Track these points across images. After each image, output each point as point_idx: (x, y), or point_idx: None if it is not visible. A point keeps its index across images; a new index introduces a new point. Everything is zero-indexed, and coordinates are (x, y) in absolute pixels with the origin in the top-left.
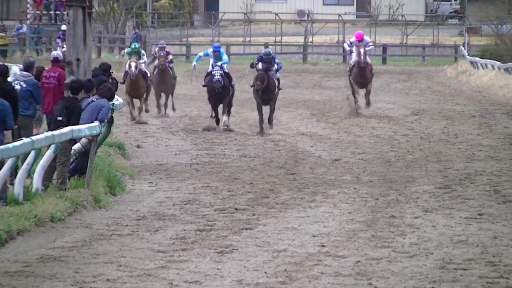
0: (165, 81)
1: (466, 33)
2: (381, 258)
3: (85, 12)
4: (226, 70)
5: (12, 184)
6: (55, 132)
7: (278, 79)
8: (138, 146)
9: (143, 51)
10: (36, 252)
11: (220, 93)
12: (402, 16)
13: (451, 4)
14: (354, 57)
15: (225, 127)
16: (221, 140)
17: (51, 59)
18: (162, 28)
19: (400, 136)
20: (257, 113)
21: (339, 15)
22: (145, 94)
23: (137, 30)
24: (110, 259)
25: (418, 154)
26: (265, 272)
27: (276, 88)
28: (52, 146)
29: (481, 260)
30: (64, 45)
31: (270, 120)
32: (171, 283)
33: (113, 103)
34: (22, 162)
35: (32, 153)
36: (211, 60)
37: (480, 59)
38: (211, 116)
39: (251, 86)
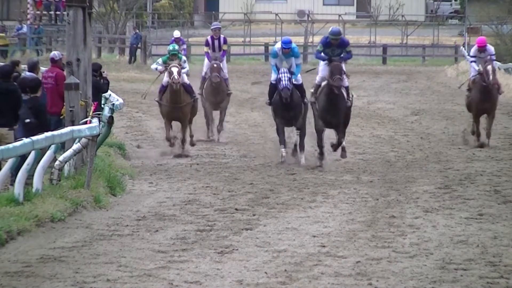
0: (218, 96)
1: (466, 33)
2: (381, 258)
3: (85, 12)
4: (299, 81)
5: (12, 184)
6: (55, 132)
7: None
8: (138, 146)
9: (184, 57)
10: (36, 252)
11: (289, 107)
12: (402, 16)
13: (451, 4)
14: (473, 71)
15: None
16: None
17: (50, 59)
18: (162, 29)
19: (400, 136)
20: (317, 136)
21: (339, 15)
22: (189, 115)
23: (137, 31)
24: (110, 259)
25: (418, 154)
26: (265, 272)
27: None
28: (52, 146)
29: (481, 260)
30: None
31: (340, 145)
32: (171, 283)
33: (113, 103)
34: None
35: (32, 153)
36: (275, 62)
37: None
38: (282, 146)
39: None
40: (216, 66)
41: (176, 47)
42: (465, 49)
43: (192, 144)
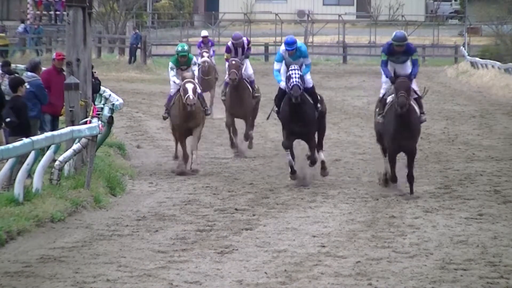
0: (241, 102)
1: (466, 33)
2: (381, 259)
3: (85, 12)
4: (310, 83)
5: (12, 184)
6: (55, 132)
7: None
8: (138, 147)
9: (194, 58)
10: (36, 252)
11: (300, 110)
12: (402, 16)
13: (451, 4)
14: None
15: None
16: (221, 141)
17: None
18: (162, 29)
19: None
20: (390, 165)
21: (339, 15)
22: (200, 128)
23: (137, 31)
24: (110, 260)
25: (418, 154)
26: (265, 273)
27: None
28: (52, 146)
29: (481, 260)
30: (205, 53)
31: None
32: (171, 283)
33: (113, 103)
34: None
35: (32, 153)
36: (280, 67)
37: (480, 59)
38: (290, 160)
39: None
40: (235, 63)
41: (186, 47)
42: (465, 49)
43: (196, 164)
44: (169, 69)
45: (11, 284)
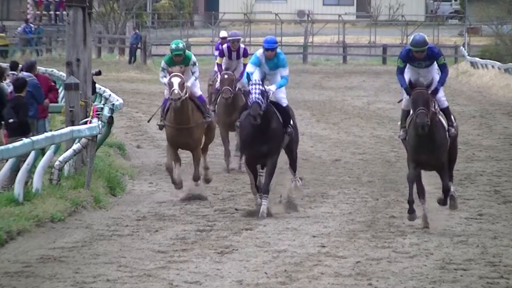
0: (235, 112)
1: (466, 34)
2: (381, 259)
3: (85, 12)
4: (283, 102)
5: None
6: (55, 132)
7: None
8: (138, 147)
9: (194, 58)
10: (36, 252)
11: (260, 131)
12: (402, 16)
13: (451, 4)
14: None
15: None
16: (221, 141)
17: None
18: (162, 29)
19: None
20: (408, 187)
21: (339, 16)
22: (203, 142)
23: (137, 31)
24: (110, 260)
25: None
26: (265, 273)
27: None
28: (52, 146)
29: (481, 260)
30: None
31: (448, 193)
32: (171, 283)
33: (113, 103)
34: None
35: (32, 153)
36: (254, 70)
37: (480, 60)
38: (253, 184)
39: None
40: (228, 77)
41: (181, 44)
42: (465, 50)
43: (208, 180)
44: (160, 70)
45: (11, 284)
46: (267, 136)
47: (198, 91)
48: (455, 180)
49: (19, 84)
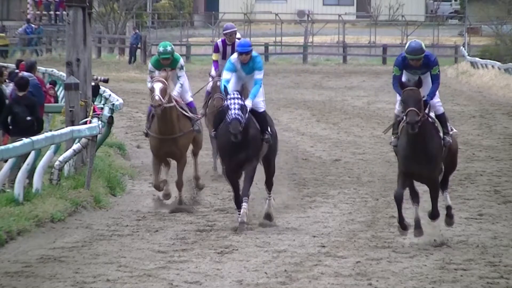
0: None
1: (466, 33)
2: (381, 259)
3: (85, 12)
4: (260, 108)
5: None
6: (55, 132)
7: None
8: (138, 147)
9: (181, 61)
10: (36, 252)
11: (239, 144)
12: (402, 16)
13: (451, 4)
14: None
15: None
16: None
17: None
18: (162, 29)
19: None
20: (396, 203)
21: (339, 16)
22: (185, 158)
23: (137, 31)
24: (110, 260)
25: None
26: (265, 273)
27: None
28: (52, 146)
29: (481, 260)
30: None
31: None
32: (171, 283)
33: (113, 103)
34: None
35: (32, 153)
36: (231, 78)
37: (480, 60)
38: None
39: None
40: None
41: (169, 47)
42: (465, 50)
43: (199, 187)
44: (148, 73)
45: (11, 284)
46: (244, 144)
47: (188, 97)
48: (455, 180)
49: (23, 83)
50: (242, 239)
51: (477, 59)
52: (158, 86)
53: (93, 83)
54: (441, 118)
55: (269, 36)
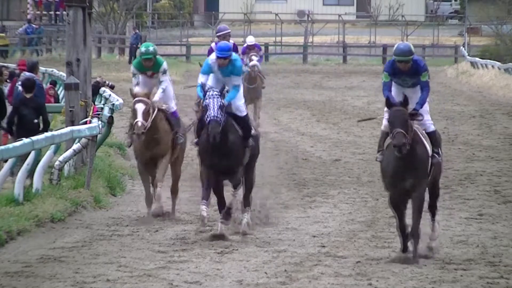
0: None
1: (466, 34)
2: (381, 259)
3: (85, 12)
4: (242, 111)
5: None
6: (55, 132)
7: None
8: None
9: (165, 65)
10: (36, 252)
11: (218, 146)
12: (402, 16)
13: (451, 4)
14: None
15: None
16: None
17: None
18: (162, 29)
19: None
20: (396, 216)
21: (339, 16)
22: (168, 157)
23: (137, 31)
24: (110, 260)
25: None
26: (265, 273)
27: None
28: (52, 146)
29: (481, 260)
30: (253, 56)
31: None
32: (171, 283)
33: (113, 103)
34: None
35: (32, 153)
36: (206, 81)
37: (480, 60)
38: (203, 202)
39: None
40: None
41: (151, 48)
42: (465, 50)
43: (175, 194)
44: (132, 76)
45: (11, 284)
46: (225, 151)
47: (172, 105)
48: (455, 181)
49: (30, 84)
50: (242, 239)
51: (477, 59)
52: (140, 108)
53: (100, 83)
54: (432, 136)
55: (269, 36)
